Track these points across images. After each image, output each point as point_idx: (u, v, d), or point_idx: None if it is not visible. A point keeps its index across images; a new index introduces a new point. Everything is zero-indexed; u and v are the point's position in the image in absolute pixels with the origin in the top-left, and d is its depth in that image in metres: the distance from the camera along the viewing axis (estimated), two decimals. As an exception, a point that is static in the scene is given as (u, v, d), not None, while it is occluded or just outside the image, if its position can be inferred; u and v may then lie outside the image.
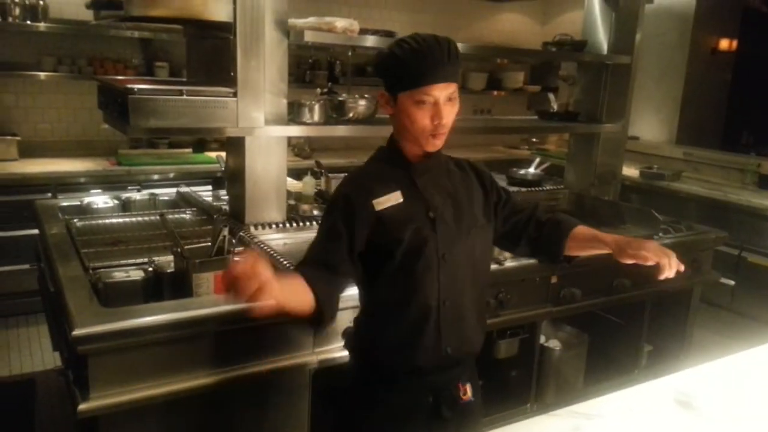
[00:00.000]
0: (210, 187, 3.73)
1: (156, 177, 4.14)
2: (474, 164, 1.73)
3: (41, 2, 3.95)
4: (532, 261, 2.47)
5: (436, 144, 1.52)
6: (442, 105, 1.45)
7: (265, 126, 2.32)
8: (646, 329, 3.00)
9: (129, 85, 2.04)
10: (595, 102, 3.53)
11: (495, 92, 5.82)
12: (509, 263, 2.42)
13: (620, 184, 3.67)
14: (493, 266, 2.38)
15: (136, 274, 2.00)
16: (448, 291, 1.55)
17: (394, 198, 1.52)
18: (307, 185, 3.03)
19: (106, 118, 2.37)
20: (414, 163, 1.56)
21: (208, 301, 1.90)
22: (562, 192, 3.60)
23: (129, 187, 3.95)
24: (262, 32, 2.25)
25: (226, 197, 2.89)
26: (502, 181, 3.75)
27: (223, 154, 2.91)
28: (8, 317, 3.68)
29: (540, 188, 3.60)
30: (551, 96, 4.36)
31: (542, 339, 2.73)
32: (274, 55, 2.34)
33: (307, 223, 2.63)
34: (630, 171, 4.75)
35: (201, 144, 4.72)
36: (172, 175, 4.17)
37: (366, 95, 2.76)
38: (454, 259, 1.55)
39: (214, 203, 2.91)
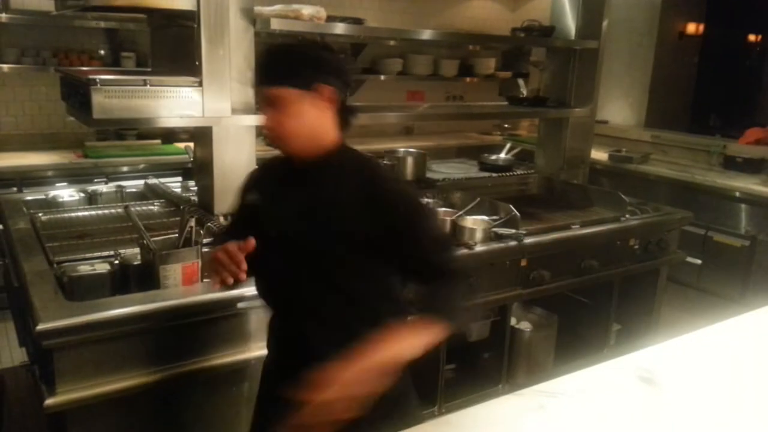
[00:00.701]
0: (180, 179, 3.69)
1: (125, 169, 4.08)
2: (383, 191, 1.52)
3: (1, -8, 3.85)
4: (501, 244, 2.52)
5: (277, 146, 1.53)
6: (265, 108, 1.47)
7: (232, 115, 2.30)
8: (614, 309, 3.06)
9: (91, 76, 2.00)
10: (564, 87, 3.56)
11: (467, 79, 5.83)
12: (479, 248, 2.45)
13: (589, 167, 3.72)
14: (464, 251, 2.41)
15: (102, 267, 1.97)
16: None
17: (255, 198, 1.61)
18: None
19: (69, 110, 2.33)
20: (296, 164, 1.54)
21: (176, 293, 1.88)
22: (532, 176, 3.63)
23: (96, 180, 3.88)
24: (227, 20, 2.23)
25: (195, 188, 2.87)
26: (473, 167, 3.79)
27: (192, 144, 2.88)
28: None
29: (510, 173, 3.63)
30: (521, 82, 4.40)
31: (513, 321, 2.77)
32: (240, 44, 2.32)
33: (278, 213, 2.62)
34: (599, 155, 4.81)
35: (170, 135, 4.66)
36: (141, 166, 4.11)
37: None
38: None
39: (183, 194, 2.88)
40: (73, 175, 3.85)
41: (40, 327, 1.62)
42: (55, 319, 1.65)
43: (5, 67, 4.02)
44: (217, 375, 1.95)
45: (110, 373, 1.73)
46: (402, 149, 3.44)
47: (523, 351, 2.74)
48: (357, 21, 2.74)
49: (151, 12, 2.30)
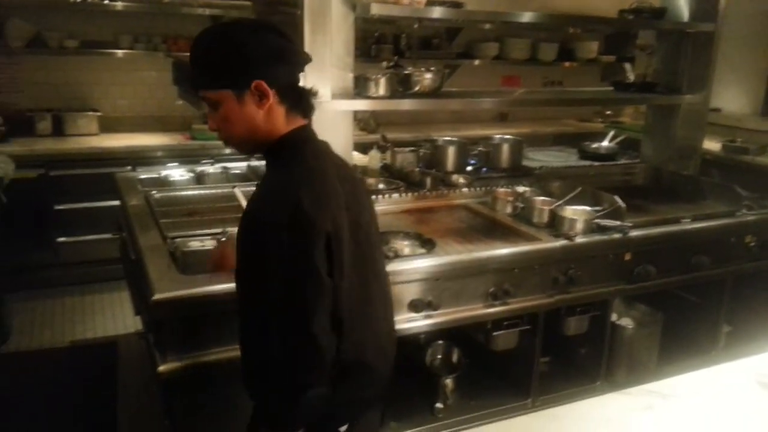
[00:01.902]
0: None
1: (227, 151, 4.25)
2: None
3: (119, -18, 4.10)
4: (604, 237, 2.42)
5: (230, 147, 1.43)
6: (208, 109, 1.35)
7: (332, 100, 2.33)
8: (725, 309, 2.86)
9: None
10: (675, 72, 3.34)
11: (566, 63, 5.61)
12: (580, 239, 2.36)
13: (701, 158, 3.48)
14: (563, 242, 2.33)
15: (210, 244, 2.08)
16: None
17: None
18: (373, 159, 3.05)
19: (180, 94, 2.45)
20: None
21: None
22: (638, 166, 3.45)
23: (202, 161, 4.07)
24: (329, 6, 2.25)
25: None
26: (573, 155, 3.65)
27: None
28: (92, 283, 3.92)
29: (614, 162, 3.47)
30: (627, 66, 4.18)
31: (614, 317, 2.66)
32: (341, 30, 2.34)
33: (372, 197, 2.64)
34: (711, 144, 4.49)
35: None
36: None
37: (432, 68, 2.72)
38: None
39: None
40: (181, 156, 4.06)
41: (156, 297, 1.72)
42: (169, 291, 1.75)
43: (120, 52, 4.28)
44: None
45: (218, 343, 1.82)
46: (497, 136, 3.36)
47: (624, 348, 2.62)
48: (456, 4, 2.70)
49: (259, -1, 2.36)
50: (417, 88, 2.65)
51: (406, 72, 2.65)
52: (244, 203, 2.00)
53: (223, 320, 1.81)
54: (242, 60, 1.29)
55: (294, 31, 2.30)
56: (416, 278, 2.11)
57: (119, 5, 4.15)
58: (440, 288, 2.15)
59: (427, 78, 2.65)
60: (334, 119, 2.45)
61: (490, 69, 5.40)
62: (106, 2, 4.09)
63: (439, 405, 2.42)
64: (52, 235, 3.80)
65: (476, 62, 5.20)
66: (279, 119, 1.36)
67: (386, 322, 1.57)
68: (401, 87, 2.65)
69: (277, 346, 1.26)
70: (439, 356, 2.64)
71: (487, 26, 5.26)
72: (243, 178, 3.16)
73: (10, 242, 3.31)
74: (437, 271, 2.14)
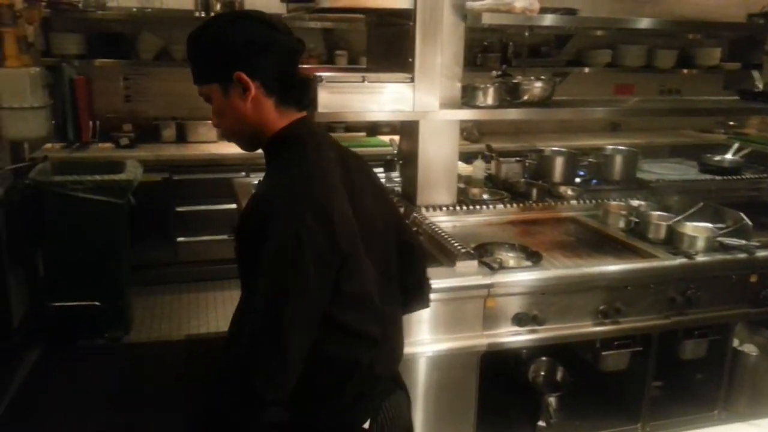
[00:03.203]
0: (382, 170, 3.87)
1: None
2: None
3: (239, -2, 4.35)
4: (727, 256, 2.25)
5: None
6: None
7: (440, 110, 2.34)
8: None
9: (317, 74, 2.17)
10: (812, 79, 3.06)
11: (685, 70, 5.30)
12: (700, 258, 2.21)
13: (841, 173, 3.17)
14: (682, 260, 2.20)
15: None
16: None
17: None
18: (477, 169, 3.02)
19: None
20: None
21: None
22: (765, 181, 3.19)
23: None
24: (441, 17, 2.27)
25: (398, 179, 2.98)
26: (692, 168, 3.43)
27: (396, 137, 3.00)
28: (207, 281, 4.16)
29: (738, 176, 3.23)
30: (755, 74, 3.87)
31: (735, 342, 2.46)
32: (451, 40, 2.35)
33: (477, 207, 2.63)
34: None
35: (374, 128, 4.91)
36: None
37: (542, 77, 2.67)
38: None
39: (387, 185, 3.01)
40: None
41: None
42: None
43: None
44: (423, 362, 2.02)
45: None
46: (610, 147, 3.23)
47: (746, 376, 2.42)
48: (569, 11, 2.62)
49: (371, 12, 2.42)
50: (526, 98, 2.61)
51: (515, 81, 2.62)
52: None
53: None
54: (221, 52, 1.27)
55: (405, 42, 2.35)
56: (521, 291, 2.07)
57: (237, 20, 4.40)
58: (546, 302, 2.10)
59: (537, 87, 2.60)
60: (441, 128, 2.47)
61: (601, 77, 5.20)
62: (226, 18, 4.35)
63: (541, 423, 2.35)
64: (172, 235, 4.08)
65: (587, 70, 5.03)
66: (268, 112, 1.31)
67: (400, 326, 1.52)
68: (509, 96, 2.61)
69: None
70: (542, 373, 2.56)
71: (599, 33, 5.10)
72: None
73: (135, 240, 3.59)
74: (544, 285, 2.08)
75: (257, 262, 1.17)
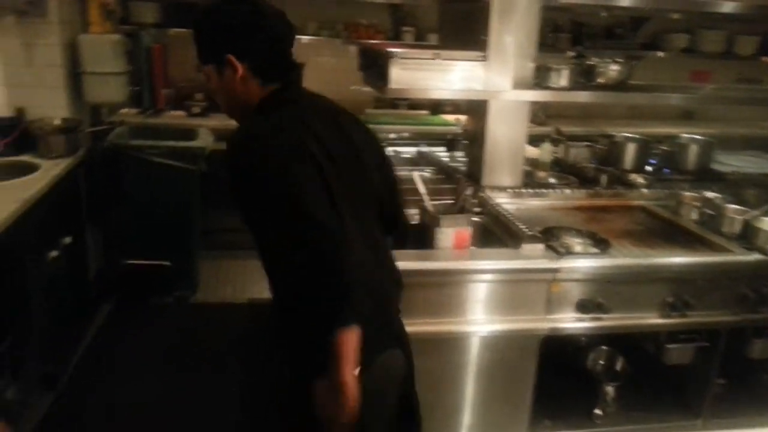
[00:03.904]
0: (443, 148, 3.86)
1: (392, 136, 4.36)
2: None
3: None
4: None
5: None
6: None
7: (512, 90, 2.31)
8: None
9: (389, 49, 2.18)
10: None
11: (765, 58, 5.02)
12: (778, 253, 2.13)
13: None
14: (757, 256, 2.12)
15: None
16: None
17: None
18: (544, 152, 2.97)
19: (365, 80, 2.58)
20: None
21: (450, 254, 2.00)
22: None
23: None
24: (518, -5, 2.23)
25: (462, 159, 2.98)
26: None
27: (462, 117, 2.99)
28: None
29: (823, 173, 3.06)
30: None
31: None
32: (526, 19, 2.31)
33: (543, 190, 2.60)
34: None
35: (437, 106, 4.88)
36: (406, 135, 4.36)
37: (618, 59, 2.59)
38: None
39: (450, 164, 3.00)
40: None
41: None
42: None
43: (305, 38, 4.56)
44: (482, 340, 2.04)
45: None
46: (685, 135, 3.12)
47: (817, 380, 2.33)
48: (655, -8, 2.53)
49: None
50: (600, 80, 2.54)
51: (590, 62, 2.55)
52: (422, 188, 2.06)
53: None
54: (215, 37, 1.41)
55: (479, 19, 2.32)
56: (587, 278, 2.05)
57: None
58: (613, 291, 2.07)
59: (613, 69, 2.53)
60: (511, 109, 2.44)
61: (677, 62, 4.98)
62: (297, -9, 4.38)
63: (598, 411, 2.34)
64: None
65: (661, 54, 4.84)
66: (254, 90, 1.43)
67: (388, 270, 1.59)
68: (583, 78, 2.55)
69: (304, 259, 1.25)
70: (601, 362, 2.53)
71: (676, 16, 4.88)
72: (412, 162, 3.25)
73: (204, 206, 3.72)
74: (611, 273, 2.05)
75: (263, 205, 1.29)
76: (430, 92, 2.27)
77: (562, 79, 2.41)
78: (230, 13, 1.40)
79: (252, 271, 4.03)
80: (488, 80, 2.26)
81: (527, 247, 2.03)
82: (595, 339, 2.46)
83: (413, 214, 2.19)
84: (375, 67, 2.37)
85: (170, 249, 3.50)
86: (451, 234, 2.03)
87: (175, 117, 4.18)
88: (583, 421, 2.32)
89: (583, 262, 2.04)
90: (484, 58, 2.23)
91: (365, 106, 4.78)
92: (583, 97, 2.48)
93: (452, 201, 2.14)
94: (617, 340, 2.45)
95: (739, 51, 4.90)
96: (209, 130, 3.74)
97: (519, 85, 2.34)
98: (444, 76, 2.21)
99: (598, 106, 4.98)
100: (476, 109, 2.57)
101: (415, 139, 4.27)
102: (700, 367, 2.26)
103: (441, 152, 3.38)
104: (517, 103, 2.42)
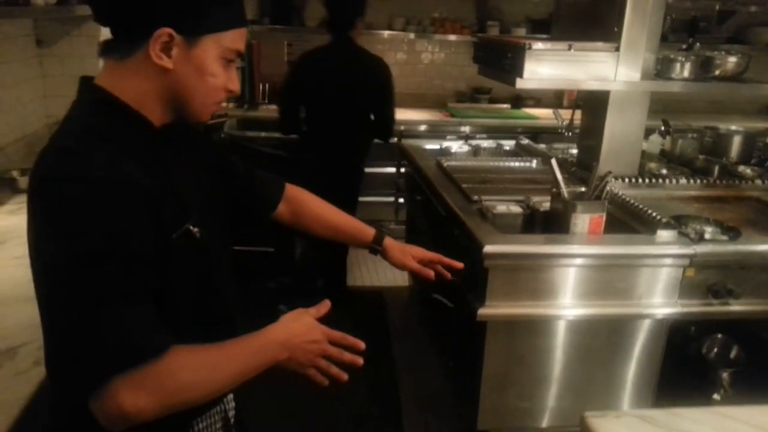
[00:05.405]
0: (527, 141, 3.91)
1: (468, 129, 4.42)
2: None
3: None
4: None
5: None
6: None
7: (641, 80, 2.38)
8: None
9: (523, 42, 2.27)
10: None
11: None
12: None
13: None
14: None
15: (516, 209, 2.27)
16: None
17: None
18: (652, 144, 3.03)
19: (486, 72, 2.67)
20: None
21: (587, 239, 2.09)
22: None
23: (448, 137, 4.33)
24: (650, -14, 2.29)
25: (556, 149, 3.07)
26: None
27: (562, 111, 3.08)
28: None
29: None
30: None
31: None
32: (654, 11, 2.36)
33: (659, 181, 2.65)
34: None
35: (518, 100, 4.95)
36: (485, 128, 4.41)
37: (736, 52, 2.62)
38: None
39: (560, 155, 3.08)
40: (435, 131, 4.35)
41: (487, 249, 1.95)
42: (494, 243, 1.98)
43: (385, 33, 4.67)
44: (608, 323, 2.12)
45: (523, 297, 2.03)
46: (790, 127, 3.12)
47: None
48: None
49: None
50: (717, 72, 2.58)
51: (709, 54, 2.59)
52: (559, 175, 2.15)
53: (530, 277, 2.02)
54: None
55: (603, 11, 2.39)
56: (720, 264, 2.10)
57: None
58: (745, 277, 2.12)
59: (731, 62, 2.57)
60: (634, 100, 2.50)
61: (761, 56, 4.93)
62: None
63: (716, 396, 2.39)
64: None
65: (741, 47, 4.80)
66: None
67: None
68: (701, 70, 2.59)
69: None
70: (716, 349, 2.58)
71: (753, 8, 4.82)
72: (514, 153, 3.33)
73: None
74: (744, 259, 2.10)
75: None
76: (563, 83, 2.35)
77: (686, 71, 2.46)
78: None
79: (348, 259, 4.19)
80: (619, 71, 2.33)
81: (662, 234, 2.10)
82: (708, 326, 2.50)
83: (541, 201, 2.29)
84: (502, 60, 2.45)
85: (274, 236, 3.65)
86: (587, 220, 2.11)
87: (271, 110, 4.35)
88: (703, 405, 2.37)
89: (717, 248, 2.10)
90: (617, 49, 2.30)
91: (447, 99, 4.88)
92: (707, 88, 2.52)
93: (583, 189, 2.22)
94: (729, 328, 2.49)
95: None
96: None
97: (646, 76, 2.40)
98: (576, 68, 2.29)
99: (678, 99, 4.98)
100: (594, 100, 2.63)
101: (495, 132, 4.35)
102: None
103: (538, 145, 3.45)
104: (640, 94, 2.48)
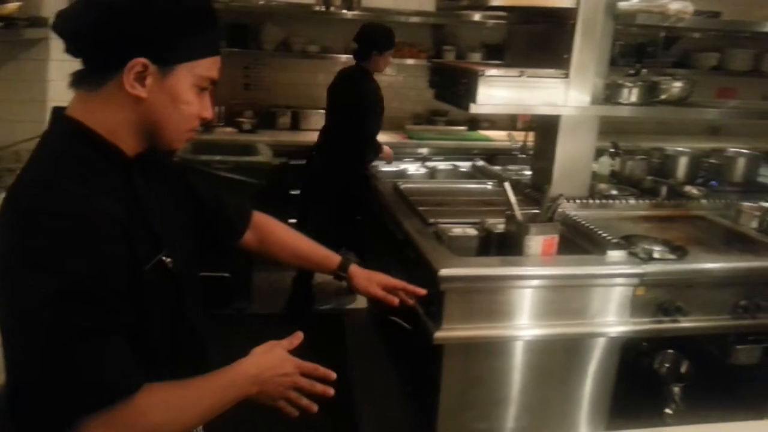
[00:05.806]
0: (483, 163, 3.98)
1: (426, 151, 4.47)
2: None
3: (358, -8, 4.52)
4: None
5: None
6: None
7: (591, 105, 2.45)
8: None
9: (476, 68, 2.32)
10: None
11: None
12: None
13: None
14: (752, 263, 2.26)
15: (472, 231, 2.30)
16: None
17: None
18: (603, 165, 3.11)
19: (441, 97, 2.71)
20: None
21: (540, 260, 2.12)
22: None
23: (405, 159, 4.37)
24: (598, 16, 2.37)
25: (510, 171, 3.13)
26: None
27: (516, 133, 3.15)
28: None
29: None
30: None
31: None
32: (603, 38, 2.44)
33: (609, 201, 2.73)
34: None
35: (474, 122, 5.03)
36: (442, 150, 4.47)
37: (679, 77, 2.74)
38: None
39: (510, 175, 3.13)
40: (397, 153, 4.37)
41: (442, 273, 1.96)
42: (450, 267, 1.99)
43: (344, 57, 4.70)
44: (563, 342, 2.15)
45: (479, 320, 2.05)
46: (732, 149, 3.26)
47: None
48: (714, 15, 2.69)
49: (530, 10, 2.53)
50: (663, 97, 2.69)
51: (654, 80, 2.69)
52: (512, 198, 2.19)
53: (485, 300, 2.04)
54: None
55: (555, 39, 2.47)
56: (668, 282, 2.17)
57: (349, 14, 4.58)
58: (692, 295, 2.19)
59: (676, 87, 2.68)
60: (584, 124, 2.57)
61: (704, 80, 5.15)
62: (343, 11, 4.53)
63: (668, 411, 2.44)
64: (285, 218, 4.29)
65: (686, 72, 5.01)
66: None
67: None
68: (648, 95, 2.69)
69: None
70: (667, 365, 2.64)
71: (696, 35, 5.05)
72: (469, 175, 3.38)
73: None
74: (692, 277, 2.17)
75: None
76: (514, 108, 2.40)
77: (633, 95, 2.55)
78: None
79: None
80: (569, 96, 2.40)
81: (612, 254, 2.15)
82: (658, 342, 2.57)
83: (495, 223, 2.32)
84: (455, 85, 2.50)
85: (230, 261, 3.60)
86: (540, 241, 2.15)
87: (227, 133, 4.32)
88: (654, 421, 2.42)
89: (666, 267, 2.16)
90: (566, 76, 2.37)
91: (405, 122, 4.93)
92: (654, 112, 2.62)
93: (537, 211, 2.26)
94: (680, 344, 2.56)
95: (766, 69, 5.09)
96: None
97: (595, 100, 2.48)
98: (528, 93, 2.35)
99: (628, 121, 5.14)
100: (546, 123, 2.70)
101: (451, 154, 4.41)
102: (766, 368, 2.37)
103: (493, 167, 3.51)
104: (590, 117, 2.55)
